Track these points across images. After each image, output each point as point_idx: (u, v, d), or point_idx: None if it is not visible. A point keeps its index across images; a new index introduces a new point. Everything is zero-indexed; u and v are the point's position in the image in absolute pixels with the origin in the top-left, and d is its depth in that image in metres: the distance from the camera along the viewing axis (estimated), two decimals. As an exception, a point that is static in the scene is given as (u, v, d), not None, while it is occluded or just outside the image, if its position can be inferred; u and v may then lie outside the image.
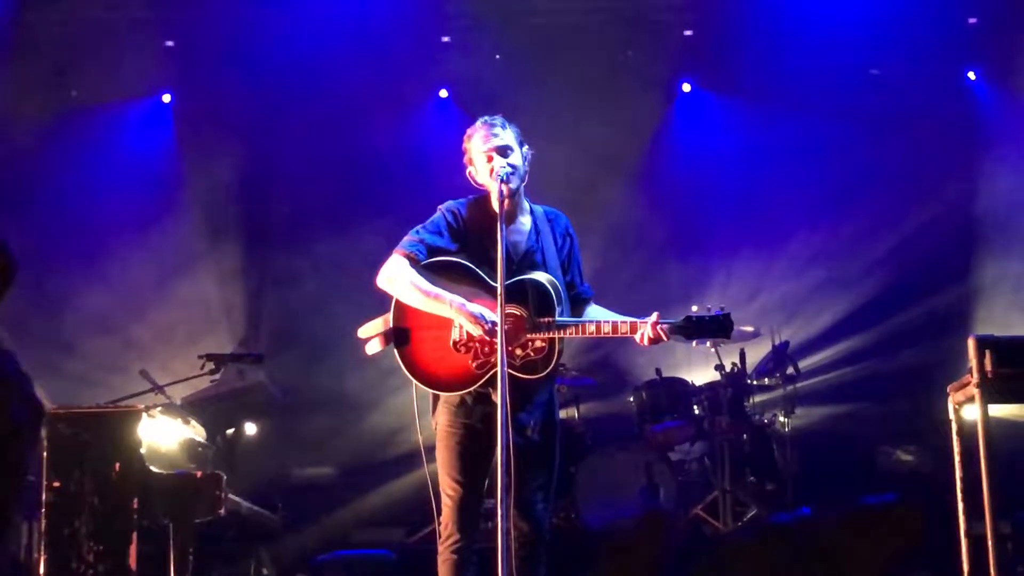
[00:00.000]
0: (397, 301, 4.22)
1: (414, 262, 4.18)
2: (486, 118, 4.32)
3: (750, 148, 9.04)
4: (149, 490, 4.92)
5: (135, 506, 4.86)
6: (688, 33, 9.07)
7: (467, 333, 4.13)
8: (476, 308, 4.08)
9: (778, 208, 8.87)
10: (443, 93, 9.30)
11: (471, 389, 4.13)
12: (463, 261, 4.23)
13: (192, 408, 6.34)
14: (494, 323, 3.97)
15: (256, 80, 8.78)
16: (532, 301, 4.11)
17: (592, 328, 4.12)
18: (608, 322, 4.14)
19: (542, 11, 8.92)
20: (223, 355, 6.94)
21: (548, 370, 4.11)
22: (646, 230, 9.12)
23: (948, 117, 8.91)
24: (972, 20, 8.86)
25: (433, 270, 4.20)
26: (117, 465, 4.89)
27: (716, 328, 4.15)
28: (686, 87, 9.47)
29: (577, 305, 4.35)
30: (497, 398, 3.96)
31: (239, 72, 8.77)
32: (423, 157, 8.50)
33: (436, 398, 4.24)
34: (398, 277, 4.17)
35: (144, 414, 5.05)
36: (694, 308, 4.19)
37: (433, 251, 4.22)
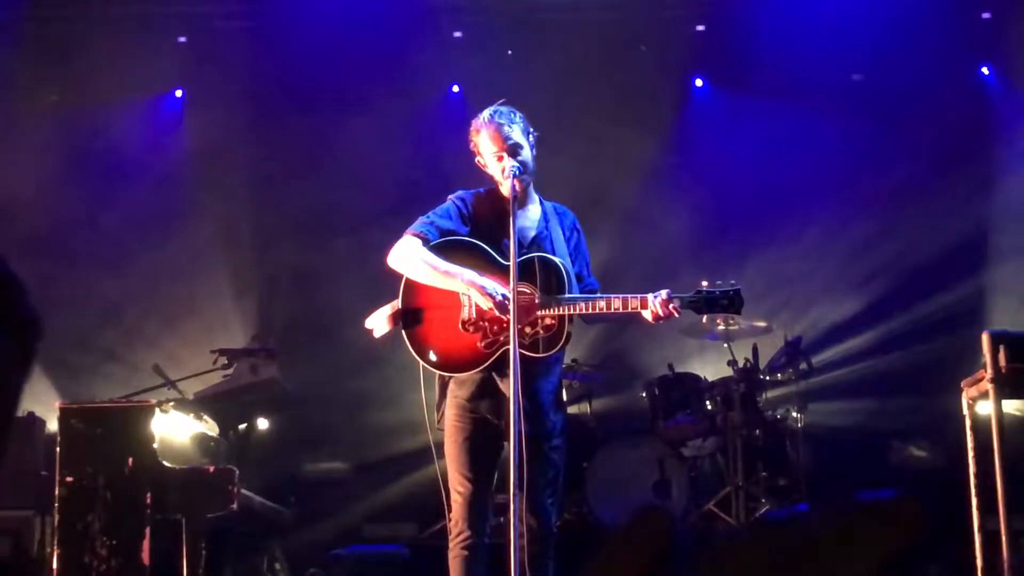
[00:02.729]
0: (407, 281, 4.19)
1: (425, 242, 4.17)
2: (492, 113, 4.26)
3: (763, 143, 8.98)
4: (162, 485, 4.94)
5: (148, 501, 4.88)
6: (700, 28, 9.04)
7: (476, 312, 4.10)
8: (488, 282, 4.06)
9: (791, 203, 8.83)
10: (455, 88, 9.30)
11: (479, 369, 4.10)
12: (473, 240, 4.21)
13: (205, 403, 6.35)
14: (504, 295, 3.97)
15: (268, 76, 8.79)
16: (541, 279, 4.08)
17: (602, 304, 4.08)
18: (618, 297, 4.11)
19: (553, 6, 8.90)
20: (236, 350, 6.98)
21: (556, 349, 4.09)
22: (659, 225, 9.09)
23: (962, 112, 8.86)
24: (985, 15, 8.81)
25: (443, 249, 4.17)
26: (130, 460, 4.90)
27: (727, 303, 4.14)
28: (698, 82, 9.44)
29: (585, 298, 4.34)
30: (504, 388, 3.96)
31: (251, 68, 8.78)
32: (436, 152, 8.49)
33: (443, 393, 4.22)
34: (409, 255, 4.14)
35: (157, 409, 5.06)
36: (704, 283, 4.18)
37: (444, 233, 4.21)
